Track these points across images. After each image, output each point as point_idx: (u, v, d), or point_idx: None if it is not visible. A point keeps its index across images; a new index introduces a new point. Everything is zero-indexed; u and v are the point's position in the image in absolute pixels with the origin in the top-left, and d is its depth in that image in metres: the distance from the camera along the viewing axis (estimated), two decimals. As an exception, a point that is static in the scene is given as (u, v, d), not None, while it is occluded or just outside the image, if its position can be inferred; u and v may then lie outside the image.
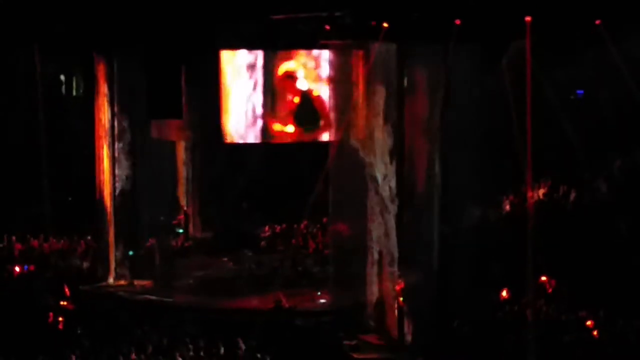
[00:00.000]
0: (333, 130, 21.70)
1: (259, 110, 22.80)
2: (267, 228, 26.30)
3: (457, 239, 19.74)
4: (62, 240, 24.15)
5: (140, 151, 23.86)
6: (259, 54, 22.41)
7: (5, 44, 22.16)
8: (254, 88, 22.77)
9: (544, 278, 19.26)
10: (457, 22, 18.70)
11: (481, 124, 19.76)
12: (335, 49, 21.38)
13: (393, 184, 20.03)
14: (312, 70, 22.34)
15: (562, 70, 22.29)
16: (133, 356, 17.12)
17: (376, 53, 20.14)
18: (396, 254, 19.92)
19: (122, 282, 23.12)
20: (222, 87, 23.02)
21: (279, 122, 22.53)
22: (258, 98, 22.72)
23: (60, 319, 19.08)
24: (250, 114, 23.38)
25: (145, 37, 20.50)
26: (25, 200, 24.36)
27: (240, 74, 22.60)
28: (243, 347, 17.63)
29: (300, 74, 22.40)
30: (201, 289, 22.74)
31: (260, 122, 23.02)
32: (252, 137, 23.69)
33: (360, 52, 21.13)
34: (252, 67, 22.78)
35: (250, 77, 22.72)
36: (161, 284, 22.96)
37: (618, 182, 21.66)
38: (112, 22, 20.04)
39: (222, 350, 17.52)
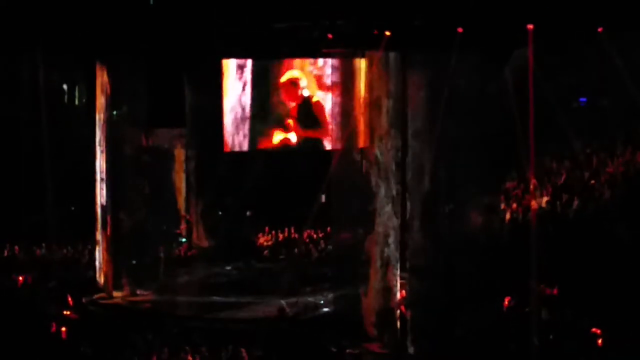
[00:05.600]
0: (335, 138, 21.72)
1: (260, 118, 22.78)
2: (268, 237, 26.30)
3: (460, 247, 19.71)
4: (65, 250, 24.17)
5: (142, 159, 23.88)
6: (261, 63, 22.40)
7: (6, 52, 22.20)
8: (255, 96, 22.75)
9: (547, 286, 19.20)
10: (460, 30, 18.72)
11: (484, 131, 19.75)
12: (338, 57, 21.40)
13: (396, 192, 20.01)
14: (314, 78, 22.33)
15: (564, 78, 22.31)
16: (136, 365, 17.15)
17: (378, 61, 20.16)
18: (399, 263, 19.92)
19: (125, 291, 23.09)
20: (223, 95, 23.01)
21: (281, 130, 22.51)
22: (259, 106, 22.70)
23: (63, 328, 19.04)
24: (251, 122, 23.35)
25: (147, 45, 20.50)
26: (28, 209, 24.37)
27: (241, 82, 22.56)
28: (246, 356, 17.59)
29: (303, 82, 22.40)
30: (204, 298, 22.72)
31: (261, 130, 22.99)
32: (253, 145, 23.66)
33: (363, 60, 21.15)
34: (253, 75, 22.74)
35: (251, 85, 22.69)
36: (164, 293, 22.94)
37: (621, 189, 21.61)
38: (114, 30, 20.04)
39: (225, 360, 17.53)
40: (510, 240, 21.04)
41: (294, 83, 22.16)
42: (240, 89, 22.56)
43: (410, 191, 19.75)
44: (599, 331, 17.01)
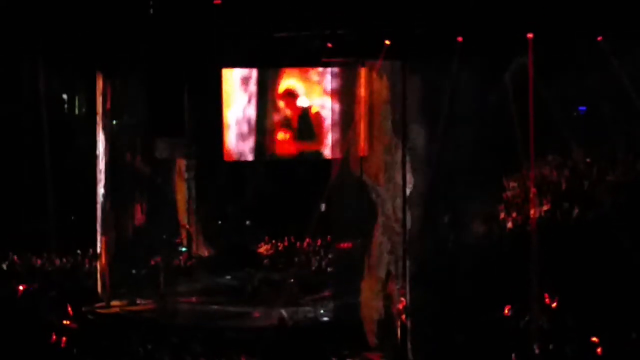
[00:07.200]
0: (335, 147, 21.70)
1: (260, 128, 22.78)
2: (268, 246, 26.27)
3: (461, 255, 19.71)
4: (65, 259, 24.14)
5: (143, 169, 23.88)
6: (260, 72, 22.42)
7: (6, 60, 22.23)
8: (255, 105, 22.75)
9: (548, 294, 19.19)
10: (460, 39, 18.74)
11: (485, 140, 19.77)
12: (338, 66, 21.41)
13: (397, 201, 20.01)
14: (313, 88, 22.33)
15: (565, 86, 22.30)
16: (136, 375, 17.10)
17: (379, 70, 20.18)
18: (400, 271, 19.90)
19: (125, 301, 23.06)
20: (223, 104, 23.01)
21: (280, 140, 22.51)
22: (259, 115, 22.70)
23: (64, 338, 19.00)
24: (250, 131, 23.36)
25: (147, 54, 20.53)
26: (28, 218, 24.35)
27: (241, 92, 22.58)
28: (246, 365, 17.60)
29: (301, 91, 22.39)
30: (204, 307, 22.69)
31: (260, 140, 22.99)
32: (253, 154, 23.67)
33: (363, 69, 21.16)
34: (253, 84, 22.76)
35: (251, 94, 22.70)
36: (164, 302, 22.91)
37: (622, 197, 21.61)
38: (114, 39, 20.08)
39: (225, 369, 17.49)
40: (511, 248, 21.03)
41: (290, 94, 22.19)
42: (241, 98, 22.57)
43: (410, 199, 19.74)
44: (598, 340, 16.99)
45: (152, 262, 23.99)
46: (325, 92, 22.06)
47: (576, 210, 21.64)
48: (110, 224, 23.47)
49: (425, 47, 19.24)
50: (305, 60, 21.46)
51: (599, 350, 16.79)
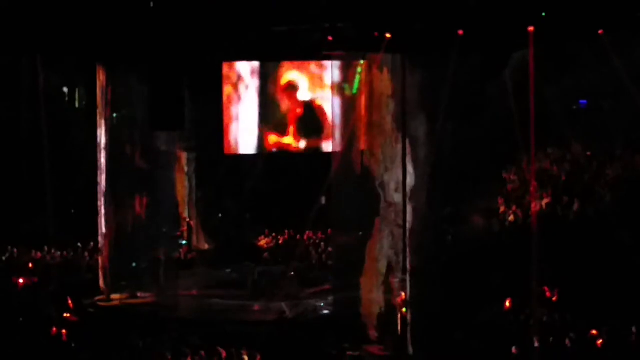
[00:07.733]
0: (336, 141, 21.71)
1: (261, 121, 22.79)
2: (268, 240, 26.28)
3: (461, 250, 19.70)
4: (65, 252, 24.17)
5: (143, 162, 23.89)
6: (261, 65, 22.41)
7: (7, 55, 22.21)
8: (256, 99, 22.75)
9: (547, 288, 19.21)
10: (460, 32, 18.73)
11: (485, 134, 19.76)
12: (338, 59, 21.40)
13: (398, 194, 20.02)
14: (314, 81, 22.33)
15: (565, 80, 22.31)
16: (136, 368, 17.14)
17: (379, 63, 20.17)
18: (400, 265, 19.92)
19: (125, 294, 23.09)
20: (224, 98, 23.01)
21: (281, 133, 22.52)
22: (259, 109, 22.71)
23: (64, 331, 19.03)
24: (251, 125, 23.36)
25: (147, 48, 20.51)
26: (29, 212, 24.37)
27: (241, 86, 22.62)
28: (247, 358, 17.58)
29: (303, 84, 22.38)
30: (204, 301, 22.71)
31: (261, 133, 22.99)
32: (254, 148, 23.67)
33: (364, 63, 21.16)
34: (253, 78, 22.76)
35: (252, 88, 22.70)
36: (164, 295, 22.94)
37: (621, 192, 21.63)
38: (115, 33, 20.05)
39: (225, 362, 17.50)
40: (511, 242, 21.05)
41: (292, 86, 22.20)
42: (241, 92, 22.58)
43: (411, 193, 19.75)
44: (598, 333, 17.02)
45: (154, 256, 24.01)
46: (326, 85, 22.08)
47: (576, 204, 21.65)
48: (110, 217, 23.49)
49: (426, 40, 19.21)
50: (306, 53, 21.45)
51: (598, 342, 16.83)
